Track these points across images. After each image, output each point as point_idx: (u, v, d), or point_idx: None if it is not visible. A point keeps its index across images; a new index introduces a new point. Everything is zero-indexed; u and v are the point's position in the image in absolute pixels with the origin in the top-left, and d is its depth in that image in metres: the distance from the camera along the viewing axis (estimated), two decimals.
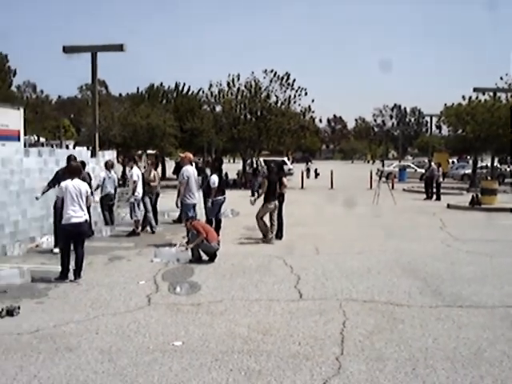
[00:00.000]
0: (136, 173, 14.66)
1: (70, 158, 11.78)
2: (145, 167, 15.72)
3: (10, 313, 7.27)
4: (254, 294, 8.44)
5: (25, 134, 22.67)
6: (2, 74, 64.76)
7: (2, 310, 7.32)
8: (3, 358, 5.84)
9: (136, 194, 14.55)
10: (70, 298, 8.19)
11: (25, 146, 23.13)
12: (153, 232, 14.70)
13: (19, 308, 7.43)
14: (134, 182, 14.48)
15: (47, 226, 12.88)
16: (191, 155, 13.87)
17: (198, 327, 6.82)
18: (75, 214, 9.15)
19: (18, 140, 19.09)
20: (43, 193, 11.82)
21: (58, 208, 9.72)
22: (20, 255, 11.38)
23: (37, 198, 11.89)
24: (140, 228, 14.53)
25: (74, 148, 51.03)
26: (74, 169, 9.73)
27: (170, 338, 6.45)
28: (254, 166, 37.07)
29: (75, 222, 9.17)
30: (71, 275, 9.22)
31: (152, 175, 15.28)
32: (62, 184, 9.38)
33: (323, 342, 6.29)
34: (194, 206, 12.95)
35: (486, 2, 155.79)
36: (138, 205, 14.74)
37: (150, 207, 14.99)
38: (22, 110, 19.58)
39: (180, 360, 5.76)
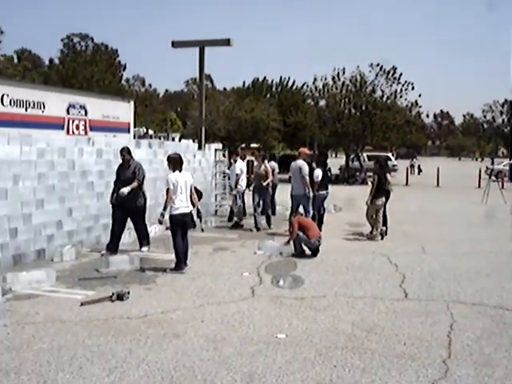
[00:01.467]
0: (239, 166, 14.87)
1: (123, 151, 11.04)
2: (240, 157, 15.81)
3: (121, 297, 7.56)
4: (357, 291, 8.34)
5: (134, 127, 23.41)
6: (113, 69, 67.54)
7: (113, 294, 7.62)
8: (113, 341, 6.07)
9: (239, 186, 14.76)
10: (176, 286, 8.42)
11: (134, 137, 23.91)
12: (257, 229, 14.05)
13: (129, 293, 7.72)
14: (237, 174, 14.71)
15: (155, 215, 13.26)
16: (306, 150, 13.95)
17: (302, 321, 6.82)
18: (183, 205, 9.38)
19: (128, 132, 19.68)
20: (114, 193, 10.96)
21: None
22: (129, 243, 11.81)
23: (112, 202, 11.05)
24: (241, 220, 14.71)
25: (179, 140, 52.50)
26: (174, 160, 9.62)
27: (273, 330, 6.49)
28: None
29: (183, 212, 9.38)
30: (182, 264, 9.44)
31: (262, 169, 14.61)
32: (170, 176, 9.48)
33: (429, 344, 6.12)
34: (298, 197, 12.90)
35: None
36: (240, 197, 14.94)
37: (260, 202, 14.42)
38: (132, 103, 20.16)
39: (284, 353, 5.77)
